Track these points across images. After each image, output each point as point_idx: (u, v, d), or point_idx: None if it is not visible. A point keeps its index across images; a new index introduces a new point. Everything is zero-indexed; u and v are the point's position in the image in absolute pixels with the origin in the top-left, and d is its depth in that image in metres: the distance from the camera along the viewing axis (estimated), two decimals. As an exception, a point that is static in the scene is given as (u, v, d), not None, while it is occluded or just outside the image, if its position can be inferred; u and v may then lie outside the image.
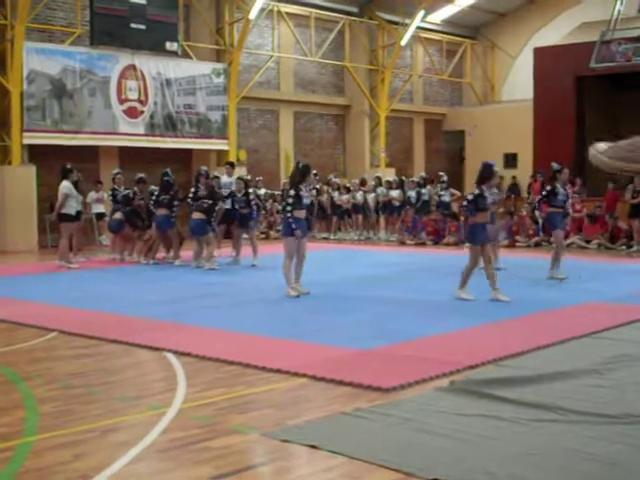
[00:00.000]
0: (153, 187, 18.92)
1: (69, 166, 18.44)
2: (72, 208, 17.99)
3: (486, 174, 12.60)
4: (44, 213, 23.70)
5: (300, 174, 13.34)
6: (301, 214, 13.19)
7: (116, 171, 20.36)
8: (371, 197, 26.80)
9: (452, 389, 7.19)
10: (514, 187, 30.19)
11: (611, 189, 23.82)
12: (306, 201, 13.33)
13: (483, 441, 5.72)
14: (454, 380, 7.46)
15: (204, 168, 18.77)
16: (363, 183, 27.34)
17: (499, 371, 7.80)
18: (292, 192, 13.15)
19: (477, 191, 12.58)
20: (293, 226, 13.00)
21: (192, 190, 17.93)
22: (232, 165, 20.65)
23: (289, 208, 13.09)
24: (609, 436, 5.83)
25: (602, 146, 3.81)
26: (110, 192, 19.95)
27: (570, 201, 15.50)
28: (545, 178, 25.94)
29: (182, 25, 27.56)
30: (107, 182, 22.91)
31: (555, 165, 15.27)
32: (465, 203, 12.85)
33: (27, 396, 7.23)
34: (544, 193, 15.22)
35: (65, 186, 17.92)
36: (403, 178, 27.45)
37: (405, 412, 6.44)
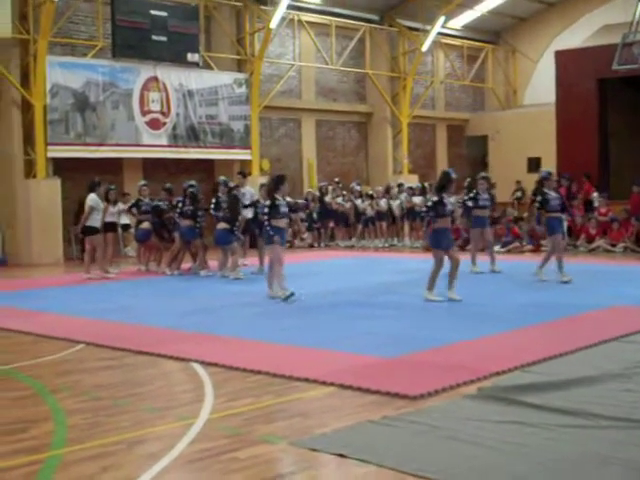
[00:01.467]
0: (178, 198, 18.99)
1: (97, 179, 18.62)
2: (97, 221, 18.12)
3: (444, 182, 13.20)
4: (69, 225, 23.83)
5: (274, 184, 14.08)
6: (279, 223, 13.83)
7: (142, 182, 20.48)
8: (396, 204, 26.77)
9: (480, 396, 7.16)
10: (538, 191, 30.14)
11: (636, 192, 23.69)
12: (284, 209, 13.94)
13: (512, 448, 5.69)
14: (482, 387, 7.43)
15: (223, 178, 18.86)
16: (388, 190, 27.32)
17: (526, 377, 7.76)
18: (268, 202, 13.88)
19: (435, 198, 13.15)
20: (271, 233, 13.65)
21: (213, 200, 18.01)
22: (244, 175, 20.66)
23: (266, 217, 13.75)
24: (638, 441, 5.78)
25: None
26: (133, 202, 19.99)
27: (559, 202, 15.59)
28: (570, 182, 25.92)
29: (203, 36, 27.62)
30: (133, 193, 23.08)
31: (543, 172, 15.63)
32: (424, 210, 13.39)
33: (55, 409, 7.26)
34: (537, 205, 15.51)
35: (92, 199, 18.06)
36: (425, 184, 27.43)
37: (433, 420, 6.42)
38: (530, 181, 31.02)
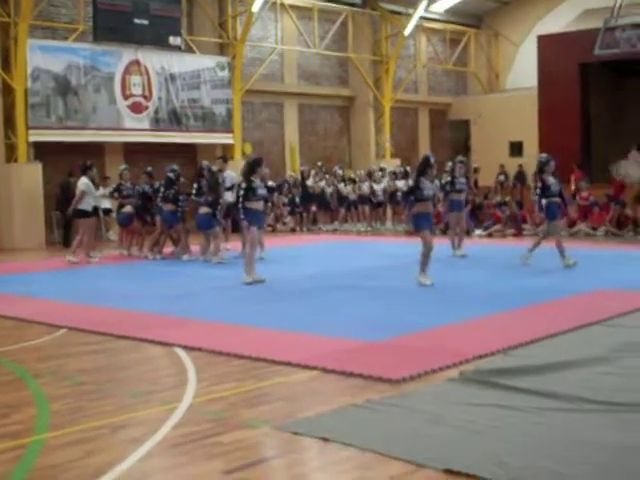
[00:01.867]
0: (159, 182, 18.97)
1: (89, 163, 18.67)
2: (88, 204, 18.18)
3: (424, 166, 13.22)
4: (50, 210, 23.75)
5: (250, 167, 14.04)
6: (256, 205, 13.86)
7: (123, 167, 20.42)
8: (379, 187, 26.76)
9: (462, 379, 7.19)
10: (520, 175, 30.07)
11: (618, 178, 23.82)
12: (261, 192, 13.92)
13: (495, 431, 5.72)
14: (463, 370, 7.46)
15: (205, 162, 18.83)
16: (370, 174, 27.33)
17: (509, 361, 7.79)
18: (244, 184, 13.79)
19: (411, 183, 13.31)
20: (242, 216, 13.73)
21: (195, 185, 17.96)
22: (224, 159, 20.60)
23: (240, 200, 13.74)
24: (619, 425, 5.82)
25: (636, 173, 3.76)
26: (115, 187, 19.94)
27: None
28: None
29: (185, 19, 27.55)
30: (114, 177, 23.04)
31: (542, 157, 15.49)
32: (400, 195, 13.43)
33: (38, 393, 7.25)
34: (538, 191, 15.24)
35: (83, 182, 18.14)
36: (408, 168, 27.46)
37: (416, 403, 6.44)
38: (512, 165, 31.19)
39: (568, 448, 5.35)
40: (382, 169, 27.69)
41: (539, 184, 15.22)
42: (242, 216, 13.72)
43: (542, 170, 15.24)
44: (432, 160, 13.23)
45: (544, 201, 15.08)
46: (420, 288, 12.79)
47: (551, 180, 15.14)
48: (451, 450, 5.37)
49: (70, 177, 23.19)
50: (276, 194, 26.83)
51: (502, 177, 31.05)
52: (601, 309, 10.49)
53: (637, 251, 18.45)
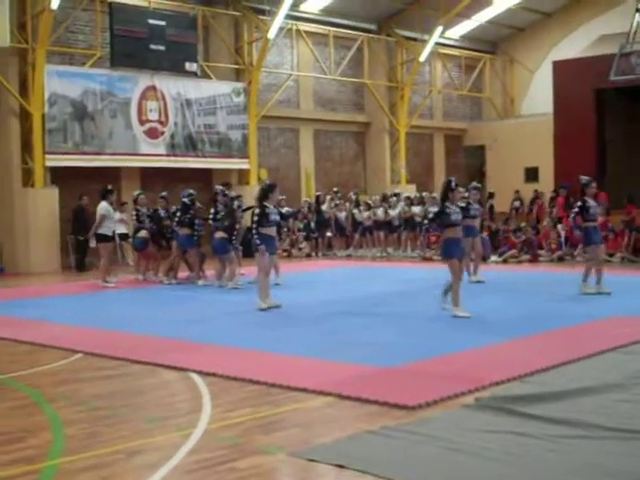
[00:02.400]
0: (175, 206, 19.05)
1: (109, 187, 18.85)
2: (109, 229, 18.32)
3: (446, 190, 12.86)
4: (66, 234, 23.83)
5: (264, 192, 14.04)
6: (269, 231, 13.82)
7: (138, 192, 20.45)
8: (395, 213, 26.75)
9: (478, 406, 7.16)
10: (536, 201, 29.97)
11: (626, 203, 23.84)
12: (274, 218, 13.88)
13: (511, 459, 5.68)
14: (479, 397, 7.43)
15: (220, 187, 18.87)
16: (384, 199, 27.34)
17: (524, 387, 7.75)
18: (257, 210, 13.80)
19: (437, 208, 12.88)
20: (257, 242, 13.61)
21: (212, 210, 18.02)
22: (228, 185, 20.63)
23: (254, 225, 13.77)
24: (636, 452, 5.79)
25: None
26: (134, 213, 19.97)
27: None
28: (569, 192, 25.96)
29: (201, 45, 27.66)
30: (129, 202, 23.21)
31: (583, 179, 15.17)
32: (426, 222, 13.14)
33: (53, 418, 7.25)
34: (576, 210, 14.98)
35: (103, 207, 18.30)
36: (424, 194, 27.48)
37: (432, 430, 6.42)
38: (528, 191, 31.12)
39: (583, 476, 5.32)
40: (396, 194, 27.67)
41: (579, 204, 14.97)
42: (257, 242, 13.65)
43: (583, 192, 14.95)
44: (454, 184, 12.90)
45: (580, 224, 14.94)
46: (435, 313, 12.74)
47: (591, 203, 14.87)
48: (466, 477, 5.35)
49: (80, 200, 23.34)
50: (291, 220, 26.83)
51: (517, 203, 30.95)
52: (616, 336, 10.44)
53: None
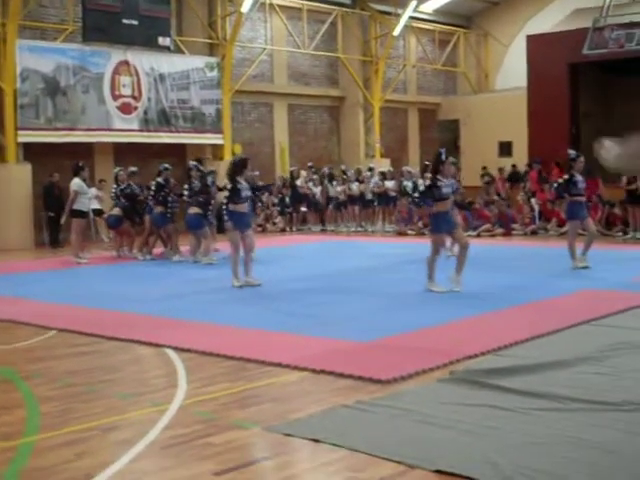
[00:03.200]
0: (148, 183, 19.02)
1: (81, 163, 18.76)
2: (83, 204, 18.30)
3: (437, 163, 12.61)
4: (39, 211, 23.70)
5: (236, 167, 13.67)
6: (241, 208, 13.48)
7: (118, 169, 20.29)
8: (369, 188, 26.77)
9: (452, 379, 7.20)
10: (515, 175, 29.78)
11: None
12: (245, 194, 13.57)
13: (485, 431, 5.73)
14: (454, 370, 7.47)
15: (193, 162, 18.84)
16: (359, 174, 27.35)
17: (498, 361, 7.80)
18: (229, 185, 13.56)
19: (429, 181, 12.62)
20: (225, 218, 13.47)
21: (186, 186, 17.98)
22: (202, 161, 20.56)
23: (225, 201, 13.53)
24: (610, 424, 5.84)
25: (613, 151, 3.73)
26: (113, 190, 19.83)
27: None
28: (541, 167, 26.07)
29: (174, 20, 27.50)
30: (102, 176, 23.26)
31: (571, 153, 15.05)
32: (417, 194, 12.87)
33: (28, 395, 7.23)
34: (561, 181, 14.94)
35: (76, 183, 18.27)
36: (404, 169, 27.49)
37: (406, 404, 6.45)
38: (500, 165, 31.07)
39: (558, 448, 5.37)
40: (371, 169, 27.68)
41: (565, 177, 14.82)
42: (225, 219, 13.53)
43: (571, 166, 14.75)
44: (444, 156, 12.55)
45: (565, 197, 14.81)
46: (409, 288, 12.79)
47: (579, 177, 14.65)
48: (441, 451, 5.38)
49: (51, 177, 23.23)
50: (266, 194, 26.79)
51: (487, 178, 30.46)
52: (590, 309, 10.51)
53: (625, 251, 18.52)
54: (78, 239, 18.47)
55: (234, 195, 13.39)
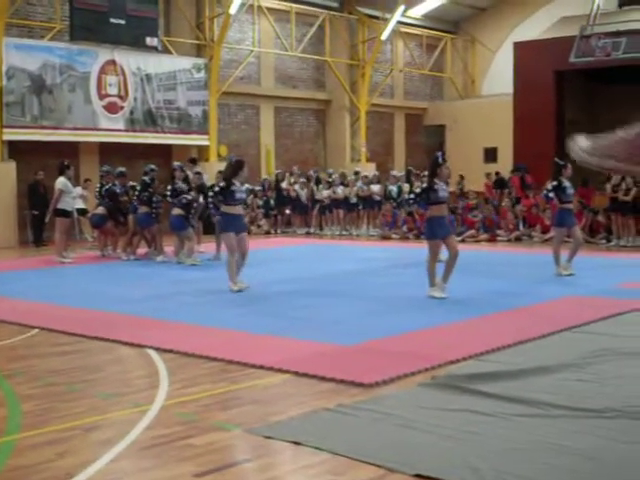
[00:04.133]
0: (132, 183, 19.02)
1: (66, 162, 18.76)
2: (67, 204, 18.27)
3: (433, 166, 12.36)
4: (24, 209, 23.63)
5: (232, 169, 13.48)
6: (235, 210, 13.28)
7: (105, 169, 20.22)
8: (354, 191, 26.82)
9: (434, 384, 7.21)
10: (500, 181, 29.74)
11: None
12: (240, 196, 13.40)
13: (466, 436, 5.74)
14: (436, 375, 7.48)
15: (178, 163, 18.88)
16: (344, 178, 27.38)
17: (481, 366, 7.81)
18: (222, 184, 13.32)
19: (425, 184, 12.41)
20: (218, 220, 13.64)
21: (169, 187, 17.96)
22: (194, 161, 20.55)
23: (218, 201, 13.43)
24: (591, 430, 5.86)
25: (584, 143, 3.78)
26: (97, 189, 19.77)
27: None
28: (523, 173, 26.14)
29: (162, 20, 27.48)
30: (86, 176, 23.20)
31: (559, 161, 15.02)
32: (412, 197, 12.76)
33: (9, 394, 7.21)
34: (550, 187, 14.85)
35: (60, 182, 18.27)
36: (393, 173, 27.60)
37: (387, 408, 6.45)
38: (485, 171, 31.06)
39: (539, 454, 5.38)
40: (357, 173, 27.71)
41: (554, 183, 14.71)
42: (220, 222, 13.34)
43: (560, 173, 14.68)
44: (441, 159, 12.32)
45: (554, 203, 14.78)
46: (394, 292, 12.81)
47: (567, 184, 14.65)
48: (422, 455, 5.39)
49: (36, 175, 23.18)
50: (252, 196, 26.81)
51: (459, 187, 29.76)
52: (573, 316, 10.54)
53: (609, 258, 18.57)
54: (62, 238, 18.44)
55: (228, 196, 13.16)
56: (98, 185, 19.67)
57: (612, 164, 3.60)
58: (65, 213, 18.34)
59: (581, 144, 3.80)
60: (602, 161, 3.64)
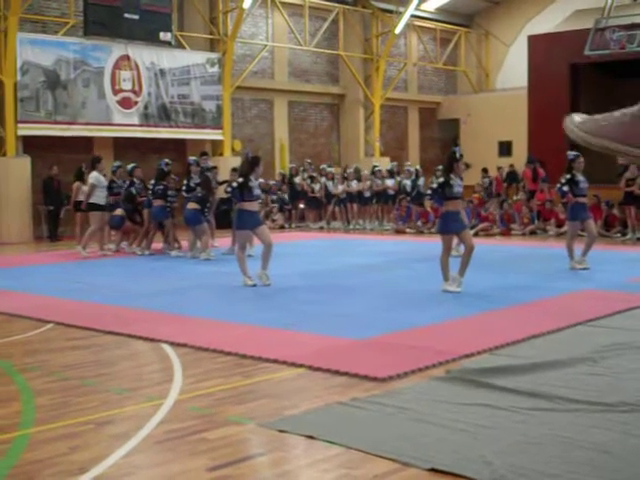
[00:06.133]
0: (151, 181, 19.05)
1: (98, 156, 18.88)
2: (100, 198, 18.33)
3: (451, 161, 12.36)
4: (38, 204, 23.70)
5: (248, 165, 13.45)
6: (251, 206, 13.24)
7: (117, 164, 20.21)
8: (367, 185, 26.80)
9: (448, 378, 7.20)
10: (512, 175, 29.71)
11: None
12: (257, 192, 13.38)
13: (480, 430, 5.73)
14: (450, 369, 7.47)
15: (193, 158, 18.86)
16: (357, 172, 27.33)
17: (495, 360, 7.80)
18: (240, 180, 13.27)
19: (442, 179, 12.35)
20: (235, 216, 13.48)
21: (185, 181, 18.01)
22: (206, 155, 20.54)
23: (227, 196, 13.33)
24: (604, 424, 5.84)
25: (577, 118, 3.75)
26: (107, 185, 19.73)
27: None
28: (535, 165, 26.06)
29: (176, 15, 27.48)
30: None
31: (570, 154, 14.91)
32: (429, 192, 12.73)
33: (23, 388, 7.23)
34: (563, 181, 14.68)
35: (93, 176, 18.42)
36: (394, 164, 27.61)
37: (402, 402, 6.45)
38: (501, 164, 31.04)
39: (553, 448, 5.37)
40: (375, 167, 27.63)
41: (567, 176, 14.60)
42: (236, 219, 13.27)
43: (571, 167, 14.62)
44: (458, 154, 12.33)
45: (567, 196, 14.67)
46: (407, 286, 12.81)
47: (580, 177, 14.57)
48: (436, 449, 5.38)
49: (50, 170, 23.25)
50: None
51: (487, 180, 30.01)
52: (587, 309, 10.52)
53: (623, 252, 18.51)
54: (95, 233, 18.50)
55: (245, 193, 13.13)
56: (108, 181, 19.67)
57: (605, 143, 3.56)
58: (98, 207, 18.38)
59: (575, 119, 3.78)
60: (594, 139, 3.60)
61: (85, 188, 18.97)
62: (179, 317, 10.50)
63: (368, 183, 26.78)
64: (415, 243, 21.17)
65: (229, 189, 13.64)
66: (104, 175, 18.84)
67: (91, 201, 18.35)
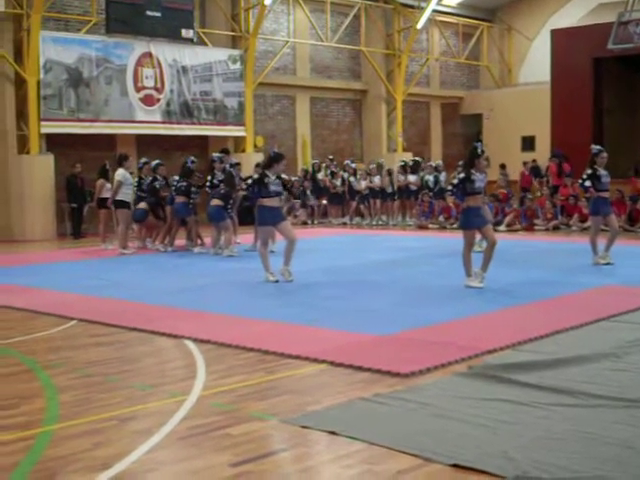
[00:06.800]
0: (175, 177, 19.05)
1: (124, 153, 18.91)
2: (126, 195, 18.45)
3: (472, 156, 12.34)
4: (61, 202, 23.81)
5: (268, 161, 13.52)
6: (270, 202, 13.20)
7: (144, 160, 20.24)
8: (386, 181, 26.80)
9: (471, 374, 7.18)
10: (535, 169, 29.60)
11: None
12: (274, 189, 13.23)
13: (503, 426, 5.71)
14: (472, 365, 7.46)
15: (217, 155, 18.84)
16: (379, 168, 27.31)
17: (517, 355, 7.78)
18: (255, 176, 13.42)
19: (463, 174, 12.30)
20: (256, 213, 13.44)
21: (209, 178, 18.04)
22: (227, 152, 20.58)
23: (253, 193, 13.45)
24: (628, 420, 5.82)
25: None
26: (136, 181, 19.71)
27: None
28: (561, 160, 25.96)
29: (198, 12, 27.54)
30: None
31: (594, 148, 14.82)
32: (450, 187, 12.70)
33: (47, 385, 7.27)
34: (585, 176, 14.57)
35: (119, 173, 18.51)
36: (417, 159, 27.55)
37: (424, 397, 6.44)
38: (523, 159, 30.93)
39: (576, 443, 5.35)
40: (404, 161, 27.56)
41: (589, 171, 14.47)
42: (257, 215, 13.29)
43: (594, 161, 14.47)
44: (480, 150, 12.29)
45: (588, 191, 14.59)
46: (430, 282, 12.79)
47: (602, 172, 14.45)
48: (458, 445, 5.37)
49: (73, 168, 23.36)
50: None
51: (502, 177, 29.74)
52: (610, 305, 10.47)
53: (648, 247, 18.41)
54: (124, 230, 18.55)
55: (262, 189, 13.12)
56: (137, 178, 19.68)
57: None
58: (124, 204, 18.47)
59: None
60: None
61: (109, 185, 19.04)
62: (202, 314, 10.53)
63: (387, 179, 26.76)
64: (438, 238, 21.14)
65: (244, 185, 13.61)
66: (130, 172, 18.92)
67: (118, 198, 18.42)
